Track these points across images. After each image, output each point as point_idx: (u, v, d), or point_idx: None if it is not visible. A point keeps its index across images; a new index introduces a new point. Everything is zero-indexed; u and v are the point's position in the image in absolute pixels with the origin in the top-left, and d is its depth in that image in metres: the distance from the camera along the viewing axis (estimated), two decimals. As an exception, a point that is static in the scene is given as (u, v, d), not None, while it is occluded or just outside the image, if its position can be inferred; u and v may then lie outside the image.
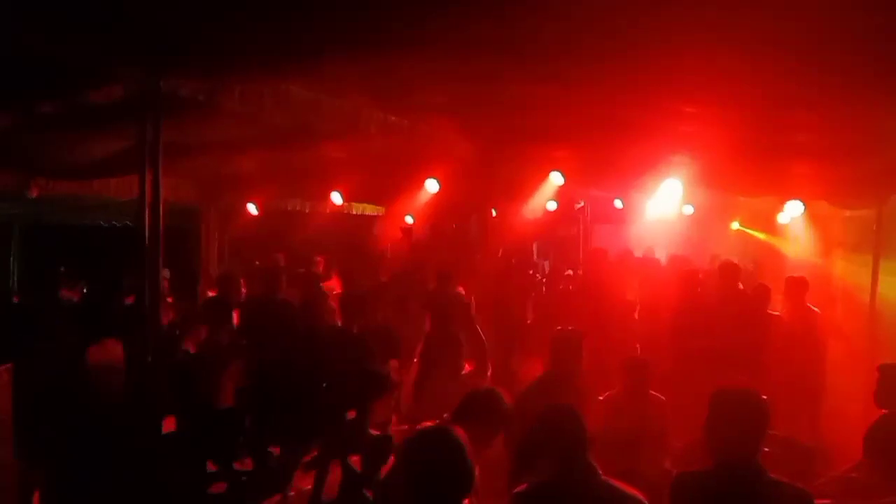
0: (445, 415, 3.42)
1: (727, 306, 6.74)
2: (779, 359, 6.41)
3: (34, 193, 7.66)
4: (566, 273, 10.03)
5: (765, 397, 2.68)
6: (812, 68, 4.31)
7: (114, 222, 10.37)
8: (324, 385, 5.43)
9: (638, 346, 6.79)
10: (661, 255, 9.98)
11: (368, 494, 3.82)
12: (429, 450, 2.22)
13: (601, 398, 5.01)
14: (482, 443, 3.13)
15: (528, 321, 8.82)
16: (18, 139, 5.73)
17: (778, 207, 8.79)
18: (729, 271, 7.09)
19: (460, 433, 2.28)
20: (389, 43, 4.11)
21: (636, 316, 7.62)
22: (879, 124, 5.56)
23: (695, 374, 5.75)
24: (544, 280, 10.65)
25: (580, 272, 10.10)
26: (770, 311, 6.94)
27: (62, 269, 8.00)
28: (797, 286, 6.95)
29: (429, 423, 2.33)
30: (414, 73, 4.81)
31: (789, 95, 4.98)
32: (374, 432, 4.05)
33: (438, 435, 2.26)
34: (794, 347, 6.58)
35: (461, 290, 7.75)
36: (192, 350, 5.84)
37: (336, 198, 10.32)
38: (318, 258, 9.62)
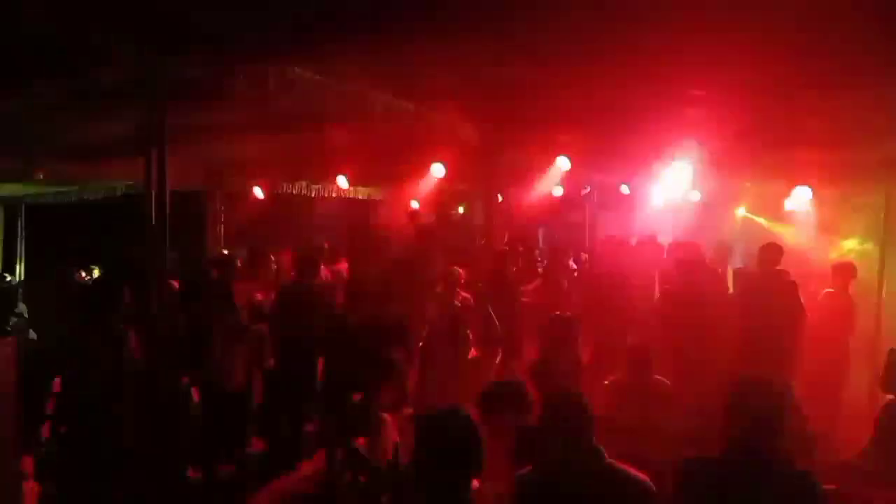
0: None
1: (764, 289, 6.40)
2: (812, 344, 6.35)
3: (40, 175, 7.69)
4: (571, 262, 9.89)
5: (788, 386, 2.69)
6: (820, 53, 4.27)
7: (119, 203, 10.34)
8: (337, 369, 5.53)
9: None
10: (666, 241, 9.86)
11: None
12: (440, 430, 2.28)
13: (606, 383, 5.02)
14: (507, 432, 3.15)
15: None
16: (23, 121, 5.72)
17: (785, 193, 8.74)
18: (770, 254, 6.46)
19: (472, 415, 2.34)
20: (394, 26, 4.09)
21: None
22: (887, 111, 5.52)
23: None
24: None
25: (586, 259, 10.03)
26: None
27: (67, 256, 8.05)
28: (845, 272, 6.87)
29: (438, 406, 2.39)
30: (420, 56, 4.78)
31: (798, 80, 4.94)
32: (382, 415, 4.08)
33: (449, 416, 2.32)
34: (830, 333, 6.54)
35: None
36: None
37: (342, 181, 10.32)
38: (325, 242, 9.62)
